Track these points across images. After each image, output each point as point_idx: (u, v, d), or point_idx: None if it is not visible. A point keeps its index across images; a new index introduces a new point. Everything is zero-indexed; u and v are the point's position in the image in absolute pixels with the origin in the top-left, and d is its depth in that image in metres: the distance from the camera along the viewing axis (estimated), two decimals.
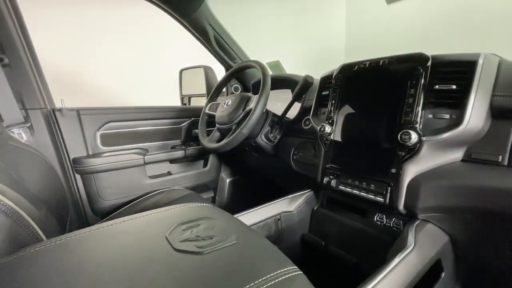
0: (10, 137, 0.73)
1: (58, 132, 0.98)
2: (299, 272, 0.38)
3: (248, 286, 0.33)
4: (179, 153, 1.28)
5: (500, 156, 0.56)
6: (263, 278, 0.34)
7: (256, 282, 0.33)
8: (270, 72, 0.95)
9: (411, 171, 0.63)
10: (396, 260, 0.53)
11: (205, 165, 1.42)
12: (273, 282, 0.34)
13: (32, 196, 0.62)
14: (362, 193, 0.71)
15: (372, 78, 0.73)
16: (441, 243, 0.63)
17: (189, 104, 1.65)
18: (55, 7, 2.17)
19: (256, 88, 1.32)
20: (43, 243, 0.40)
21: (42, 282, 0.31)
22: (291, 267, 0.38)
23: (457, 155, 0.63)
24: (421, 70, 0.63)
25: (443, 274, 0.64)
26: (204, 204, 0.60)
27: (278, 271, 0.36)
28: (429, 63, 0.62)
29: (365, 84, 0.75)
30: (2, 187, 0.47)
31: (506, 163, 0.56)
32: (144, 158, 1.17)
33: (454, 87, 0.59)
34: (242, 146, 1.18)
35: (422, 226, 0.63)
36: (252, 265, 0.37)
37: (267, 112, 1.06)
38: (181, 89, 1.68)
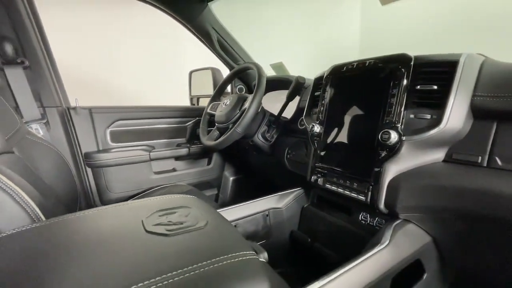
0: (28, 132, 0.83)
1: (72, 129, 1.07)
2: (254, 257, 0.41)
3: (200, 264, 0.36)
4: (183, 151, 1.34)
5: (480, 157, 0.56)
6: (218, 258, 0.38)
7: (208, 262, 0.37)
8: (265, 74, 0.98)
9: (392, 170, 0.64)
10: (367, 255, 0.54)
11: (209, 163, 1.48)
12: (226, 262, 0.38)
13: (44, 185, 0.70)
14: (346, 192, 0.73)
15: (358, 79, 0.74)
16: (421, 243, 0.63)
17: (198, 104, 1.72)
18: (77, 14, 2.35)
19: None
20: (38, 223, 0.46)
21: (20, 258, 0.37)
22: (247, 251, 0.41)
23: (439, 155, 0.62)
24: (403, 70, 0.63)
25: (425, 275, 0.64)
26: (189, 196, 0.64)
27: (234, 254, 0.39)
28: (412, 63, 0.63)
29: (353, 84, 0.76)
30: (15, 176, 0.54)
31: (485, 164, 0.55)
32: (150, 155, 1.24)
33: (435, 87, 0.60)
34: (242, 145, 1.21)
35: (402, 226, 0.63)
36: (211, 247, 0.41)
37: (264, 112, 1.09)
38: (190, 90, 1.75)
